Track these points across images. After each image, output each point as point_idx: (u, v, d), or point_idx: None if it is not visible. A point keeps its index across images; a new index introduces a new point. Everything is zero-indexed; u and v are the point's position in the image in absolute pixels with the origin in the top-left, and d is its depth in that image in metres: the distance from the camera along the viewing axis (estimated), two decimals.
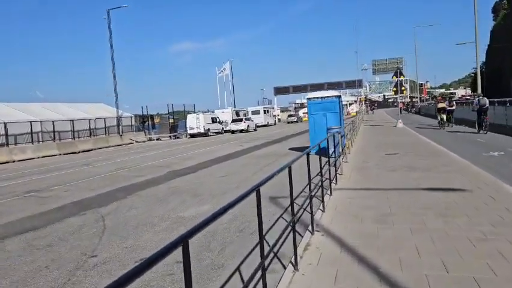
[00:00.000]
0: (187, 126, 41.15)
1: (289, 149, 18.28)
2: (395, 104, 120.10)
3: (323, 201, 5.79)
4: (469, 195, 6.12)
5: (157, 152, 23.61)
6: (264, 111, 58.02)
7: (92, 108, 40.36)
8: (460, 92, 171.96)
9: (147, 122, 43.51)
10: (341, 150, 12.14)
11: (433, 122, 27.47)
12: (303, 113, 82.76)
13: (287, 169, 3.87)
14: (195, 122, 40.41)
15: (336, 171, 8.21)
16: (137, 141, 39.74)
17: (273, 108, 66.98)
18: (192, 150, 22.78)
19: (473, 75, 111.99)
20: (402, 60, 64.22)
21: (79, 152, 30.97)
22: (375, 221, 5.15)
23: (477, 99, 20.19)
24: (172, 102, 43.74)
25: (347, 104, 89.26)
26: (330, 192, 6.83)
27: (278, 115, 72.04)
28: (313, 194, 4.97)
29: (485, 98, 19.44)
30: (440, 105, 23.76)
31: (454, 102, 27.08)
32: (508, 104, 18.81)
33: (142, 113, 43.17)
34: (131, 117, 41.92)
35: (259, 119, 54.93)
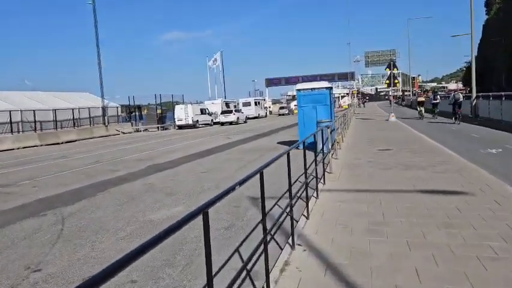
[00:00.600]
0: (175, 117, 40.15)
1: (278, 142, 17.53)
2: (386, 97, 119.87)
3: (307, 207, 5.04)
4: (472, 200, 5.42)
5: (142, 144, 22.71)
6: (255, 103, 57.11)
7: (77, 98, 39.13)
8: (452, 86, 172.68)
9: (134, 113, 42.37)
10: (330, 146, 11.44)
11: (426, 115, 27.06)
12: (295, 105, 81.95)
13: (271, 166, 3.09)
14: (183, 113, 39.43)
15: (324, 169, 7.47)
16: (123, 132, 38.70)
17: (264, 100, 66.07)
18: (178, 143, 21.93)
19: (464, 69, 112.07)
20: (395, 52, 63.38)
21: (61, 143, 29.92)
22: (367, 231, 4.42)
23: (452, 94, 24.00)
24: (162, 92, 42.76)
25: (339, 97, 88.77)
26: (317, 195, 6.10)
27: (270, 107, 71.14)
28: (294, 202, 4.21)
29: (460, 94, 22.69)
30: (420, 99, 26.21)
31: (439, 96, 28.20)
32: (503, 98, 18.25)
33: (129, 103, 42.01)
34: (117, 107, 40.78)
35: (250, 111, 54.05)
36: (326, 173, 7.88)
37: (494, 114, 19.28)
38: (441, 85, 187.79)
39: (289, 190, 4.08)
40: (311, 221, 4.89)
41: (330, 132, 12.13)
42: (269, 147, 15.91)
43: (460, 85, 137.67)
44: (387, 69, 25.56)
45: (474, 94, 22.96)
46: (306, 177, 5.10)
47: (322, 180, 7.16)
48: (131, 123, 41.73)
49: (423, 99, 26.14)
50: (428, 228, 4.39)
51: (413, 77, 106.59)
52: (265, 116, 60.03)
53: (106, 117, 37.72)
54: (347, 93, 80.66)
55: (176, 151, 17.12)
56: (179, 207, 7.03)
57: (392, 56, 60.24)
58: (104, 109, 37.27)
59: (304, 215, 5.03)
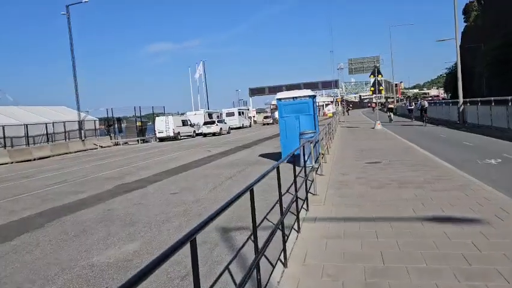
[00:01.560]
0: (156, 129, 38.80)
1: (260, 155, 16.44)
2: (369, 104, 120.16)
3: (284, 249, 3.91)
4: (490, 231, 4.38)
5: (117, 160, 21.33)
6: (239, 112, 56.07)
7: (52, 112, 37.44)
8: (433, 92, 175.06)
9: (113, 126, 40.81)
10: (315, 161, 10.40)
11: (404, 119, 32.43)
12: None
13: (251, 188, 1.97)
14: (163, 125, 38.11)
15: (307, 190, 6.38)
16: (101, 147, 37.13)
17: (248, 109, 65.10)
18: (155, 157, 20.65)
19: (445, 75, 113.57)
20: (379, 59, 63.19)
21: (34, 160, 28.28)
22: (364, 286, 3.31)
23: (419, 102, 30.29)
24: (146, 104, 41.40)
25: (323, 105, 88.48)
26: (298, 227, 4.98)
27: (254, 116, 70.19)
28: (265, 244, 3.07)
29: (425, 101, 28.98)
30: (390, 106, 31.69)
31: (414, 103, 33.57)
32: (493, 104, 17.58)
33: (107, 116, 40.46)
34: (95, 120, 39.19)
35: (234, 121, 52.98)
36: (309, 194, 6.79)
37: (484, 120, 18.60)
38: (423, 91, 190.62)
39: (254, 235, 2.95)
40: (289, 270, 3.75)
41: (314, 145, 11.10)
42: (250, 161, 14.79)
43: (442, 91, 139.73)
44: (372, 76, 24.84)
45: (461, 100, 22.35)
46: (282, 212, 3.98)
47: (305, 205, 6.06)
48: (110, 137, 40.16)
49: (392, 106, 33.08)
50: (444, 279, 3.30)
51: (396, 84, 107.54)
52: (250, 125, 59.03)
53: (82, 131, 36.08)
54: (331, 101, 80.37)
55: (151, 167, 15.86)
56: (134, 243, 5.82)
57: (375, 62, 59.98)
58: (80, 123, 35.64)
59: (281, 261, 3.90)
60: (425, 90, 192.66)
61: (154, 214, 7.59)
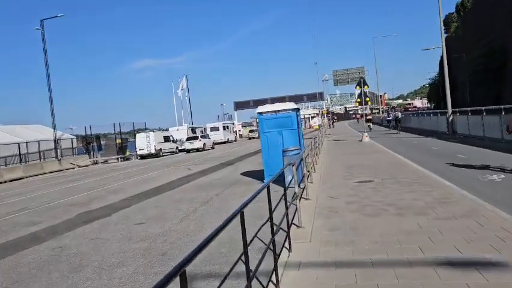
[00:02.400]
0: (137, 146, 37.38)
1: (242, 173, 15.31)
2: (353, 116, 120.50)
3: None
4: None
5: (90, 181, 19.92)
6: (224, 127, 54.97)
7: (26, 131, 35.77)
8: (417, 102, 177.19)
9: (92, 144, 39.20)
10: (297, 187, 9.39)
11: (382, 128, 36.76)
12: None
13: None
14: (144, 142, 36.73)
15: (289, 224, 5.27)
16: (79, 166, 35.47)
17: (233, 123, 64.07)
18: (131, 177, 19.33)
19: (428, 86, 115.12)
20: (364, 69, 62.96)
21: (4, 182, 26.60)
22: None
23: (394, 112, 36.03)
24: (130, 121, 39.97)
25: (309, 117, 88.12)
26: (277, 280, 3.83)
27: (239, 130, 69.14)
28: None
29: (399, 112, 36.80)
30: (368, 117, 31.67)
31: (399, 113, 36.98)
32: (484, 113, 16.87)
33: (85, 134, 38.89)
34: (71, 139, 37.60)
35: (219, 136, 51.85)
36: (293, 226, 5.69)
37: (475, 130, 17.88)
38: (407, 102, 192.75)
39: None
40: None
41: (299, 164, 10.05)
42: (230, 181, 13.64)
43: (425, 101, 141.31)
44: (358, 87, 24.10)
45: (450, 110, 21.69)
46: (247, 270, 2.85)
47: (287, 243, 4.94)
48: (89, 155, 38.53)
49: (371, 117, 36.19)
50: None
51: (380, 95, 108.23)
52: (235, 140, 57.94)
53: (59, 150, 34.42)
54: (317, 114, 80.00)
55: (123, 190, 14.57)
56: None
57: (360, 73, 59.73)
58: (56, 141, 34.00)
59: None
60: (409, 101, 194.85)
61: (109, 253, 6.36)
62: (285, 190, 5.26)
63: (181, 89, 61.56)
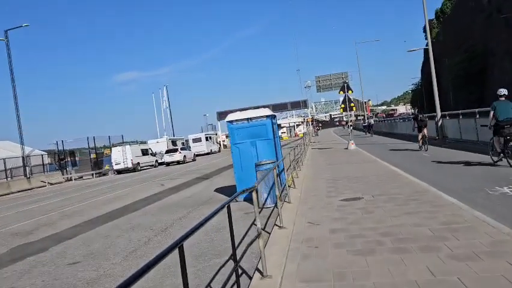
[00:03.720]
0: (112, 161, 35.47)
1: (217, 189, 13.71)
2: (337, 123, 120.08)
3: None
4: None
5: (52, 202, 18.06)
6: (206, 138, 53.19)
7: None
8: (401, 108, 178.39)
9: (65, 160, 37.07)
10: (274, 201, 8.10)
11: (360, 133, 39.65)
12: None
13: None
14: (121, 156, 34.85)
15: (251, 276, 3.69)
16: (51, 184, 33.33)
17: (216, 134, 62.37)
18: (98, 196, 17.56)
19: (411, 92, 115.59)
20: (347, 75, 61.95)
21: None
22: None
23: (367, 120, 43.72)
24: (111, 134, 37.92)
25: (294, 126, 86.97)
26: None
27: (223, 141, 67.42)
28: None
29: (372, 119, 43.16)
30: (350, 123, 29.58)
31: (372, 120, 45.46)
32: (477, 116, 15.63)
33: (57, 149, 36.74)
34: (42, 155, 35.41)
35: (201, 147, 50.06)
36: (257, 272, 4.13)
37: (468, 134, 16.65)
38: (391, 108, 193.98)
39: None
40: None
41: (272, 184, 8.53)
42: (201, 199, 12.02)
43: (409, 107, 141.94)
44: (341, 92, 22.82)
45: (439, 113, 20.49)
46: None
47: None
48: (62, 172, 36.37)
49: (351, 124, 38.45)
50: None
51: (365, 102, 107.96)
52: (219, 150, 56.22)
53: (27, 168, 32.24)
54: (302, 122, 78.83)
55: (81, 212, 12.81)
56: None
57: (344, 78, 58.76)
58: (24, 158, 31.83)
59: None
60: (393, 107, 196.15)
61: None
62: (263, 205, 3.64)
63: (164, 100, 59.79)
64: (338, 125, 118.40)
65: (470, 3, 53.09)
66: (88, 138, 36.00)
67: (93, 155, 36.60)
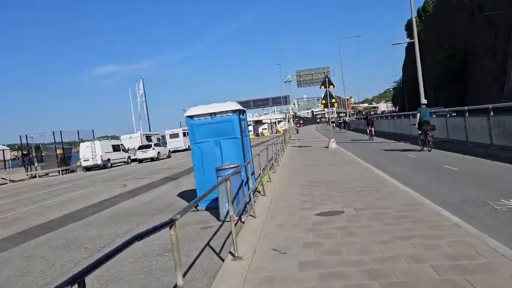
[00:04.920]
0: (81, 157, 33.32)
1: (182, 193, 12.15)
2: (318, 120, 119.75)
3: None
4: None
5: (5, 202, 16.17)
6: (184, 133, 51.18)
7: None
8: (382, 106, 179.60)
9: (30, 155, 34.65)
10: (237, 212, 6.74)
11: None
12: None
13: None
14: (89, 152, 32.69)
15: None
16: (12, 181, 31.04)
17: None
18: (52, 198, 15.79)
19: (392, 89, 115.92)
20: (329, 69, 60.55)
21: None
22: None
23: (342, 118, 52.44)
24: (84, 129, 35.73)
25: (275, 122, 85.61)
26: None
27: None
28: None
29: (346, 117, 52.29)
30: (332, 120, 29.20)
31: (347, 118, 51.34)
32: (467, 114, 14.49)
33: (21, 143, 34.30)
34: (3, 150, 32.99)
35: (179, 143, 48.13)
36: None
37: (456, 134, 15.47)
38: (372, 105, 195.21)
39: None
40: None
41: (239, 188, 7.06)
42: (160, 206, 10.45)
43: (390, 105, 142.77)
44: (322, 87, 21.47)
45: None
46: None
47: None
48: (26, 168, 34.01)
49: (333, 120, 41.46)
50: None
51: (346, 99, 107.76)
52: None
53: None
54: (284, 118, 77.50)
55: (18, 220, 11.08)
56: None
57: (325, 73, 57.45)
58: None
59: None
60: (374, 104, 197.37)
61: None
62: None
63: (140, 93, 57.34)
64: (318, 122, 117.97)
65: (452, 2, 52.76)
66: (53, 132, 33.61)
67: (59, 151, 34.28)
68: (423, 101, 17.18)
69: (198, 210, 8.89)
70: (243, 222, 6.93)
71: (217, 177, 7.51)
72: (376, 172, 10.53)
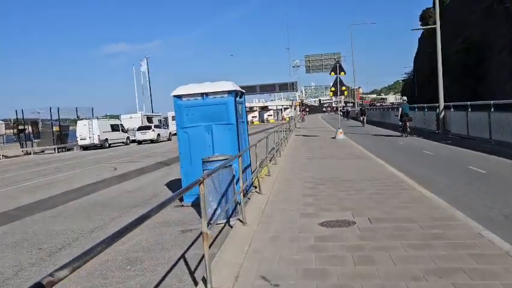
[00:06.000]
0: (77, 135, 32.21)
1: (170, 182, 10.93)
2: (324, 109, 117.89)
3: None
4: None
5: None
6: None
7: None
8: (390, 97, 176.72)
9: (25, 131, 33.62)
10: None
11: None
12: (268, 115, 75.16)
13: None
14: (86, 131, 31.59)
15: None
16: (6, 156, 30.08)
17: None
18: (38, 178, 14.80)
19: (402, 81, 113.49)
20: (340, 56, 58.02)
21: None
22: None
23: (346, 108, 60.64)
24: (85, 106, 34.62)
25: (282, 109, 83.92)
26: None
27: None
28: None
29: (348, 107, 62.53)
30: (340, 109, 30.12)
31: (348, 108, 53.75)
32: (492, 109, 13.04)
33: (17, 118, 33.23)
34: None
35: None
36: None
37: (477, 131, 14.10)
38: (380, 97, 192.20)
39: None
40: None
41: (228, 185, 5.84)
42: (144, 195, 9.26)
43: (398, 96, 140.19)
44: (333, 73, 19.99)
45: (442, 104, 17.88)
46: None
47: None
48: (21, 144, 32.99)
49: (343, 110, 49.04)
50: None
51: (354, 89, 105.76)
52: None
53: None
54: (290, 105, 75.81)
55: None
56: None
57: (336, 59, 55.37)
58: None
59: None
60: (383, 96, 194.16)
61: None
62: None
63: (142, 71, 55.80)
64: (324, 111, 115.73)
65: None
66: (50, 108, 32.42)
67: (56, 128, 33.17)
68: (404, 98, 23.85)
69: (183, 205, 7.68)
70: (231, 227, 5.70)
71: (203, 170, 6.24)
72: (390, 170, 9.21)
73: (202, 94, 7.47)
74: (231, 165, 6.14)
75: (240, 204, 5.76)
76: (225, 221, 6.08)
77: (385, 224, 5.01)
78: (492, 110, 12.96)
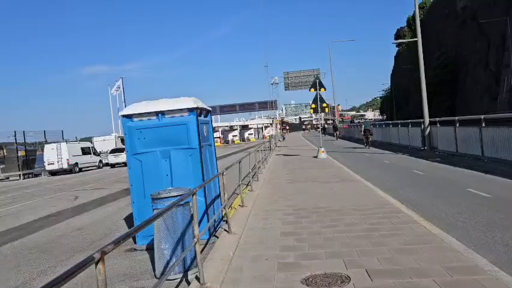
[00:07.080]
0: (45, 160, 30.18)
1: (130, 214, 9.43)
2: (304, 127, 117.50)
3: None
4: None
5: None
6: None
7: None
8: (369, 114, 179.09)
9: None
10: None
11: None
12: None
13: None
14: (55, 155, 29.62)
15: None
16: None
17: None
18: None
19: (380, 98, 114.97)
20: (319, 72, 57.71)
21: None
22: None
23: (322, 125, 46.42)
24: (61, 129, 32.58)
25: (262, 127, 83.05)
26: None
27: None
28: None
29: (325, 124, 67.10)
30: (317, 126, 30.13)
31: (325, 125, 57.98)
32: (483, 124, 12.16)
33: None
34: None
35: None
36: None
37: (467, 147, 13.21)
38: (360, 113, 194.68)
39: None
40: None
41: (186, 227, 4.52)
42: (96, 234, 7.81)
43: (377, 113, 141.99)
44: (312, 89, 19.04)
45: (427, 120, 17.04)
46: None
47: None
48: None
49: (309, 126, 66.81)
50: None
51: (333, 106, 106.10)
52: None
53: None
54: (270, 124, 74.98)
55: None
56: None
57: (316, 75, 55.03)
58: None
59: None
60: (362, 112, 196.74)
61: None
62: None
63: (117, 91, 54.02)
64: (304, 129, 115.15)
65: (444, 11, 51.48)
66: (15, 132, 30.36)
67: (22, 153, 31.06)
68: (367, 116, 29.34)
69: (135, 250, 6.28)
70: (189, 283, 4.38)
71: (153, 209, 4.90)
72: (381, 195, 8.04)
73: (157, 113, 6.18)
74: (188, 202, 4.84)
75: (197, 256, 4.40)
76: (181, 275, 4.73)
77: (389, 279, 3.76)
78: (483, 125, 12.08)
